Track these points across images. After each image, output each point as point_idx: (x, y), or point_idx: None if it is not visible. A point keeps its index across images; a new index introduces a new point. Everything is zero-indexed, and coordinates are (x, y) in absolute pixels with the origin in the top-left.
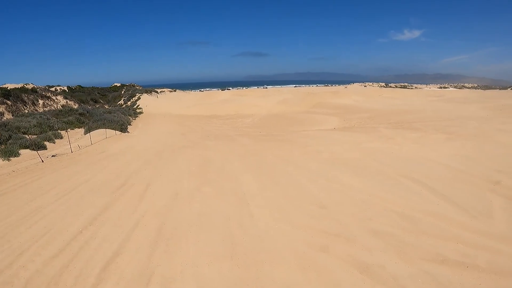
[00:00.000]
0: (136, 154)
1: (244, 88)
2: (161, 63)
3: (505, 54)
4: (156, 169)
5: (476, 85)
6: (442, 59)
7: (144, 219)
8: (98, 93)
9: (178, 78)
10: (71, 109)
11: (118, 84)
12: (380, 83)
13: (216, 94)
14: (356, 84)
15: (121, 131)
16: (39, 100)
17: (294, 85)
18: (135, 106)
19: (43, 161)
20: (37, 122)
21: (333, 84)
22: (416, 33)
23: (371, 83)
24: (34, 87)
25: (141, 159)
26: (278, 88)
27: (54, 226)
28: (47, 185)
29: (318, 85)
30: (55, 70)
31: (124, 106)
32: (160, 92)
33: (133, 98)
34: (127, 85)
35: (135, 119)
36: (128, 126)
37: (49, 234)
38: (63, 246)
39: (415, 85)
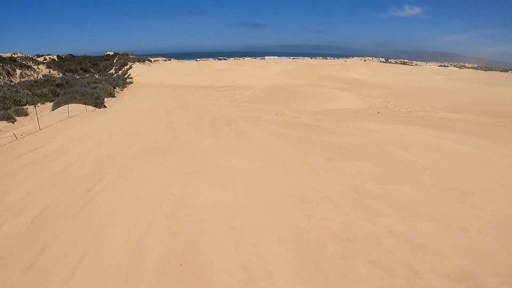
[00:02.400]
0: (78, 159)
1: (241, 58)
2: (157, 32)
3: (504, 36)
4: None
5: (476, 65)
6: (441, 38)
7: None
8: (89, 62)
9: (174, 48)
10: (48, 80)
11: (111, 53)
12: (380, 58)
13: (212, 63)
14: (355, 58)
15: (95, 106)
16: (17, 70)
17: (292, 57)
18: (126, 76)
19: None
20: (1, 96)
21: (332, 57)
22: (417, 10)
23: (370, 58)
24: (14, 55)
25: (74, 174)
26: (276, 59)
27: None
28: None
29: (317, 57)
30: (48, 39)
31: (115, 75)
32: (154, 61)
33: (125, 67)
34: (120, 54)
35: (122, 90)
36: (110, 98)
37: None
38: None
39: (414, 62)
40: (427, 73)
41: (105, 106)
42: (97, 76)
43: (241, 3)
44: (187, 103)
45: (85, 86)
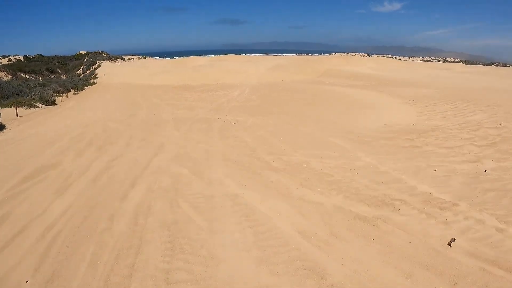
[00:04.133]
0: None
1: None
2: (136, 30)
3: (483, 31)
4: None
5: (458, 59)
6: (420, 33)
7: None
8: (59, 62)
9: (153, 47)
10: None
11: (84, 52)
12: (362, 54)
13: (190, 60)
14: (338, 54)
15: None
16: None
17: (274, 54)
18: (93, 75)
19: None
20: None
21: (313, 53)
22: (396, 6)
23: (353, 53)
24: None
25: None
26: (261, 55)
27: None
28: None
29: (299, 54)
30: (24, 39)
31: (82, 75)
32: (128, 59)
33: (93, 66)
34: (92, 53)
35: (77, 93)
36: (42, 108)
37: None
38: None
39: (397, 56)
40: (428, 67)
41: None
42: (63, 77)
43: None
44: (142, 118)
45: (21, 91)
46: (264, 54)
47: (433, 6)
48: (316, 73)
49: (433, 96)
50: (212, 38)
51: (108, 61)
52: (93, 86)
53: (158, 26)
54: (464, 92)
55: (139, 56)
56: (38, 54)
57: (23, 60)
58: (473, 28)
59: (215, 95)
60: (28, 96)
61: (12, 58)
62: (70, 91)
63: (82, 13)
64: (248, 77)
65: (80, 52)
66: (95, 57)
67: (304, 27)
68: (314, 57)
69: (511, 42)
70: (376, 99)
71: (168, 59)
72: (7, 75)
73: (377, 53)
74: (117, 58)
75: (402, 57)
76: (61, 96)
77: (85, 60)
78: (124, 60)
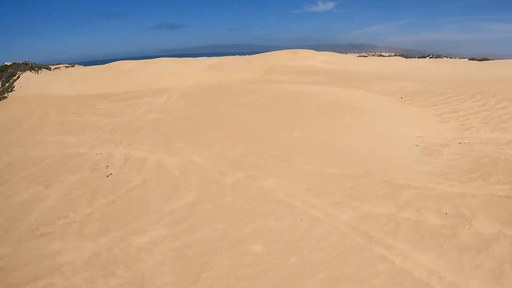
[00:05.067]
0: None
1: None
2: (70, 39)
3: (417, 25)
4: None
5: (393, 54)
6: (354, 30)
7: None
8: None
9: (88, 55)
10: None
11: (9, 63)
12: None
13: (118, 64)
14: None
15: None
16: None
17: (212, 57)
18: (10, 88)
19: None
20: None
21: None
22: (330, 5)
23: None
24: None
25: None
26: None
27: None
28: None
29: (240, 55)
30: None
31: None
32: (55, 68)
33: (13, 78)
34: (18, 64)
35: None
36: None
37: None
38: None
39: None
40: (382, 60)
41: None
42: None
43: (158, 4)
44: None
45: None
46: (203, 57)
47: (366, 4)
48: (260, 71)
49: (429, 91)
50: (149, 44)
51: (30, 71)
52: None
53: (93, 33)
54: (465, 84)
55: (66, 65)
56: None
57: None
58: (406, 24)
59: (134, 104)
60: None
61: None
62: None
63: (12, 23)
64: (182, 80)
65: (5, 64)
66: (17, 68)
67: (240, 29)
68: (256, 55)
69: (441, 36)
70: (360, 98)
71: (96, 66)
72: None
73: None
74: (40, 67)
75: (339, 54)
76: None
77: (8, 71)
78: (50, 69)
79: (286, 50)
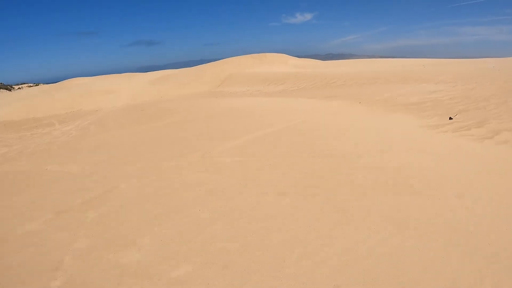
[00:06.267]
0: None
1: None
2: (43, 57)
3: (393, 32)
4: None
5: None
6: (332, 40)
7: None
8: None
9: (64, 74)
10: None
11: None
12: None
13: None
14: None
15: None
16: None
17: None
18: None
19: None
20: None
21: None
22: (308, 16)
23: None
24: None
25: None
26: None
27: None
28: None
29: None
30: None
31: None
32: (18, 88)
33: None
34: None
35: None
36: None
37: None
38: None
39: None
40: (367, 62)
41: None
42: None
43: (134, 21)
44: None
45: None
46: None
47: (343, 14)
48: (216, 81)
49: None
50: (126, 61)
51: None
52: None
53: (70, 52)
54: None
55: (30, 84)
56: None
57: None
58: (382, 32)
59: (39, 134)
60: None
61: None
62: None
63: None
64: (117, 98)
65: None
66: None
67: (219, 44)
68: (211, 63)
69: (416, 41)
70: (349, 124)
71: (47, 85)
72: None
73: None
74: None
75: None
76: None
77: None
78: (10, 90)
79: (249, 55)
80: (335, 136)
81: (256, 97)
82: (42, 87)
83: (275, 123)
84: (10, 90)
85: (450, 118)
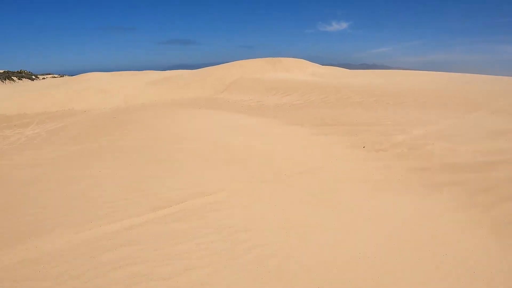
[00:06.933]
0: None
1: None
2: (83, 50)
3: (428, 46)
4: None
5: None
6: (367, 51)
7: None
8: None
9: (93, 67)
10: None
11: (2, 71)
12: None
13: (85, 76)
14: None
15: None
16: None
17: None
18: None
19: None
20: None
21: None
22: (344, 25)
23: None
24: None
25: None
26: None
27: None
28: None
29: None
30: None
31: None
32: (42, 78)
33: None
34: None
35: None
36: None
37: None
38: None
39: None
40: (404, 74)
41: None
42: None
43: (171, 19)
44: None
45: None
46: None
47: (378, 25)
48: (220, 86)
49: None
50: (161, 58)
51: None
52: None
53: (107, 46)
54: None
55: (54, 75)
56: None
57: None
58: (418, 45)
59: (10, 134)
60: None
61: None
62: None
63: (33, 32)
64: (110, 98)
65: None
66: None
67: (253, 47)
68: (221, 65)
69: (452, 56)
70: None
71: (62, 78)
72: None
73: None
74: (21, 77)
75: None
76: None
77: None
78: (32, 79)
79: (263, 58)
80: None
81: (247, 114)
82: (59, 79)
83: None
84: (32, 79)
85: None
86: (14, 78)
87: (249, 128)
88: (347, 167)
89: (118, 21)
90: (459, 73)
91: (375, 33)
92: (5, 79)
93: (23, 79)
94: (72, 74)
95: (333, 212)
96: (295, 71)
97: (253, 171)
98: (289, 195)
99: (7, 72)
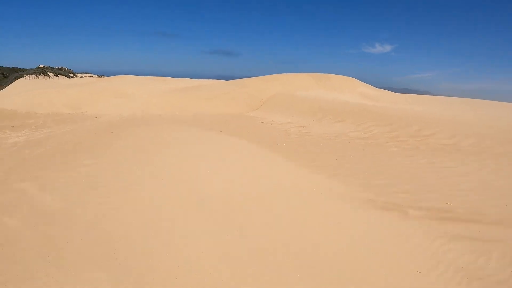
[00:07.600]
0: None
1: None
2: (124, 53)
3: (473, 73)
4: None
5: None
6: (409, 75)
7: None
8: (2, 73)
9: (132, 70)
10: None
11: (42, 66)
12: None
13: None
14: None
15: None
16: None
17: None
18: None
19: None
20: None
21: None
22: (387, 48)
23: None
24: None
25: None
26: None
27: None
28: None
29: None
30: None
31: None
32: (80, 76)
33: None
34: (49, 68)
35: None
36: None
37: None
38: None
39: None
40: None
41: None
42: None
43: (215, 29)
44: None
45: None
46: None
47: (423, 50)
48: (255, 102)
49: None
50: (203, 67)
51: (33, 75)
52: None
53: (150, 51)
54: None
55: (92, 75)
56: None
57: None
58: (462, 71)
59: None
60: None
61: None
62: None
63: (80, 33)
64: (128, 104)
65: (40, 66)
66: (29, 71)
67: (293, 63)
68: (257, 78)
69: (498, 85)
70: None
71: (106, 77)
72: None
73: None
74: (58, 74)
75: None
76: None
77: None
78: (69, 77)
79: (307, 73)
80: None
81: (284, 153)
82: (89, 79)
83: None
84: (69, 77)
85: None
86: (50, 74)
87: (282, 199)
88: None
89: (159, 26)
90: None
91: (419, 58)
92: (40, 74)
93: (60, 76)
94: (110, 75)
95: None
96: (343, 90)
97: None
98: None
99: (45, 67)
